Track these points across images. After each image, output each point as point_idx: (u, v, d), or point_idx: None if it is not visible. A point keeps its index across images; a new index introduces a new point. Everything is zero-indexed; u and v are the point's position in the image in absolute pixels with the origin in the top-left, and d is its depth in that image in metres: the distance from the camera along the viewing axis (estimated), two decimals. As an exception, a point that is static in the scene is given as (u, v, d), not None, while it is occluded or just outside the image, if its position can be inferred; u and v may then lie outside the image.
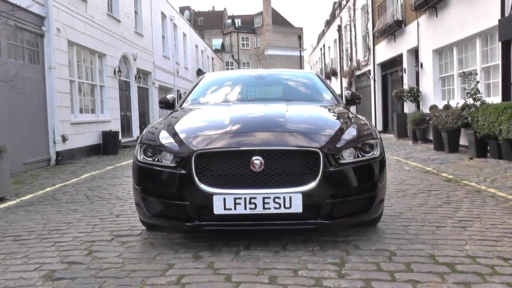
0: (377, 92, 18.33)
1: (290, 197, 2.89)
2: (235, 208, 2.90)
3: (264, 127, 3.20)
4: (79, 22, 11.49)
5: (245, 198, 2.89)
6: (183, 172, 2.98)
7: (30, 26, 9.24)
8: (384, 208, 3.85)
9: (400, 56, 15.25)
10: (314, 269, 2.69)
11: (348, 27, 22.89)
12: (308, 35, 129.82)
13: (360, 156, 3.12)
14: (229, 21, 58.12)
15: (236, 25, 57.30)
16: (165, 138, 3.26)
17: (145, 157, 3.21)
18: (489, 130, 7.67)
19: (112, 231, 3.75)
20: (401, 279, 2.52)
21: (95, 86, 12.90)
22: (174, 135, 3.24)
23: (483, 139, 8.10)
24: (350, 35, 22.48)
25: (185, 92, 4.96)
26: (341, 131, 3.22)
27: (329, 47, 30.52)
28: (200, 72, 28.63)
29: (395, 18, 14.62)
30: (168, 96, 4.69)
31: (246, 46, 56.15)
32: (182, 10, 45.72)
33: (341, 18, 24.61)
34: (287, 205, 2.90)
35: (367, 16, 19.09)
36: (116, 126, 13.84)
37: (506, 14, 8.16)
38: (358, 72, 21.63)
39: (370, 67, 18.99)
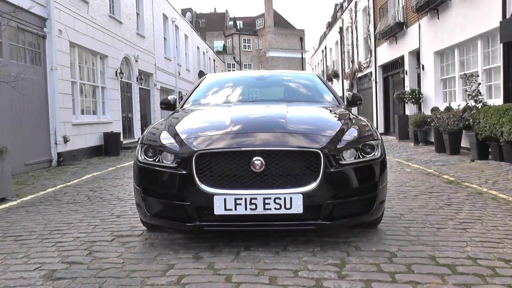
0: (379, 94, 18.33)
1: (291, 198, 2.89)
2: (235, 209, 2.90)
3: (265, 127, 3.20)
4: (80, 23, 11.51)
5: (245, 199, 2.89)
6: (184, 172, 2.99)
7: (32, 27, 9.27)
8: (385, 210, 3.85)
9: (402, 58, 15.26)
10: (314, 270, 2.69)
11: (349, 29, 22.91)
12: (310, 37, 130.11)
13: (360, 157, 3.11)
14: (231, 23, 58.21)
15: (238, 27, 57.38)
16: (166, 138, 3.26)
17: (146, 157, 3.21)
18: (491, 132, 7.66)
19: (112, 232, 3.76)
20: (401, 280, 2.51)
21: (97, 87, 12.92)
22: (175, 135, 3.24)
23: (485, 141, 8.08)
24: (352, 37, 22.49)
25: (187, 94, 4.96)
26: (341, 132, 3.22)
27: (330, 49, 30.54)
28: (201, 74, 28.67)
29: (397, 20, 14.63)
30: (169, 97, 4.69)
31: (248, 48, 56.24)
32: (184, 12, 45.82)
33: (343, 20, 24.62)
34: (288, 205, 2.89)
35: (369, 18, 19.10)
36: (117, 127, 13.85)
37: (508, 16, 8.15)
38: (359, 74, 21.64)
39: (372, 69, 18.98)
